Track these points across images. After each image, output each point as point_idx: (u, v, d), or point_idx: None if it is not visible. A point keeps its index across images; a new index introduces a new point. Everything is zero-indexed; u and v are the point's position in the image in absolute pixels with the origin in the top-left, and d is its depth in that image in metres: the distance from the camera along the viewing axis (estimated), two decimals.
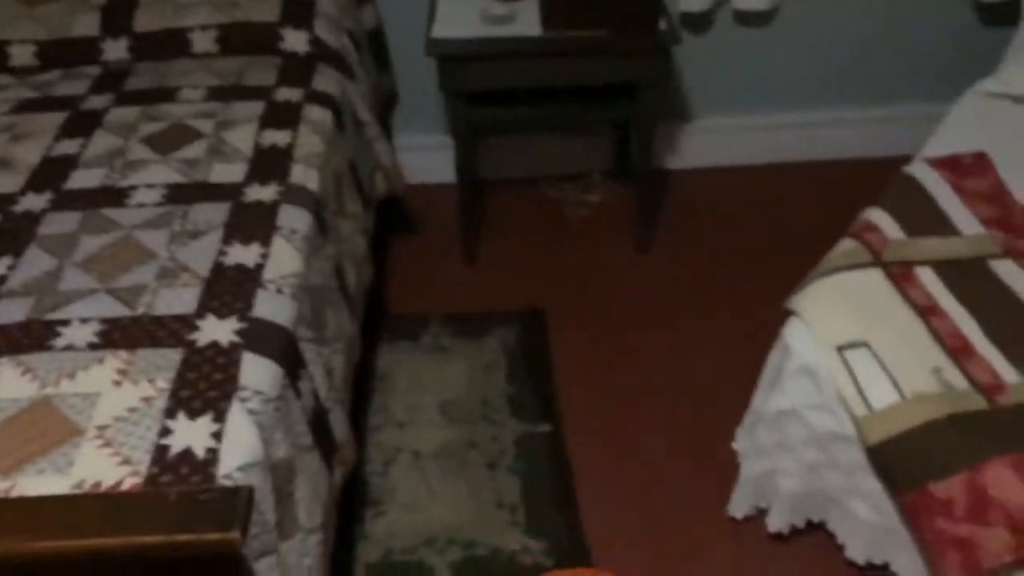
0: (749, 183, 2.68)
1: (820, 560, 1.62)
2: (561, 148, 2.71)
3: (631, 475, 1.81)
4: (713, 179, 2.70)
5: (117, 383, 1.22)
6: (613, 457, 1.85)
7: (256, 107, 1.86)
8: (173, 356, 1.26)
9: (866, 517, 1.53)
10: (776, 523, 1.62)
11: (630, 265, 2.39)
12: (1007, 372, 1.50)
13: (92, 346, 1.27)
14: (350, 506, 1.75)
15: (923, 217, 1.80)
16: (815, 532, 1.65)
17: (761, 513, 1.68)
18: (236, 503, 0.89)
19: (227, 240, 1.49)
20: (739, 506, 1.68)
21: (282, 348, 1.32)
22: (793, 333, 1.55)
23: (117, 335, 1.30)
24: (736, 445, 1.72)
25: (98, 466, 1.10)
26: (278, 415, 1.24)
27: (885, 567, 1.58)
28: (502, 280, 2.35)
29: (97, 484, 1.08)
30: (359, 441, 1.88)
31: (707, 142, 2.73)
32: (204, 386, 1.22)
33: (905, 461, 1.41)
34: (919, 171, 1.91)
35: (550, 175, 2.71)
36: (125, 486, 1.08)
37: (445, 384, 2.04)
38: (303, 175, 1.67)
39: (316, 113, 1.85)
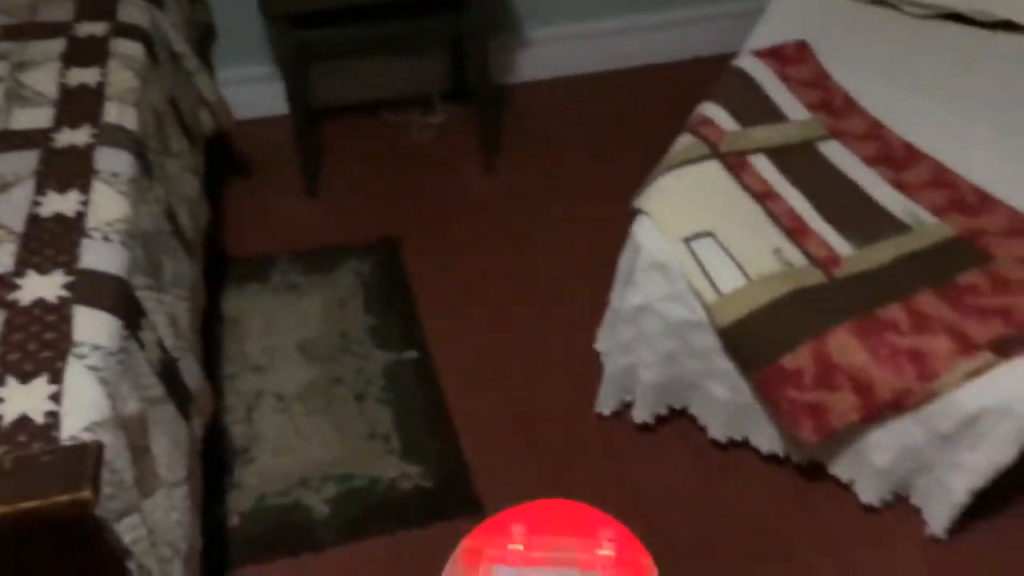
0: (590, 92, 2.70)
1: (686, 444, 1.69)
2: (397, 70, 2.63)
3: (501, 390, 1.82)
4: (554, 91, 2.70)
5: None
6: (482, 376, 1.86)
7: (56, 45, 1.69)
8: None
9: (723, 397, 1.60)
10: (641, 414, 1.68)
11: (479, 184, 2.37)
12: (841, 245, 1.59)
13: None
14: (216, 457, 1.69)
15: (753, 107, 1.86)
16: (679, 418, 1.72)
17: (627, 407, 1.73)
18: (83, 460, 0.83)
19: (40, 190, 1.37)
20: (606, 403, 1.72)
21: (117, 298, 1.23)
22: (641, 230, 1.58)
23: None
24: (598, 345, 1.75)
25: None
26: (121, 368, 1.16)
27: (745, 442, 1.66)
28: (349, 211, 2.28)
29: None
30: (216, 390, 1.81)
31: (543, 54, 2.71)
32: (34, 347, 1.12)
33: (755, 339, 1.48)
34: (746, 63, 1.96)
35: (389, 99, 2.63)
36: None
37: (301, 322, 1.97)
38: (118, 114, 1.54)
39: (125, 47, 1.71)
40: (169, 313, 1.41)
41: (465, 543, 0.32)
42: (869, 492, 1.56)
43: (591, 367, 1.78)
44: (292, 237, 2.19)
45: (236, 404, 1.80)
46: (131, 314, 1.25)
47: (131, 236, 1.34)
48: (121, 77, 1.63)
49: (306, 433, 1.74)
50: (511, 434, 1.74)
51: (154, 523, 1.13)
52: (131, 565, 1.04)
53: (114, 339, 1.17)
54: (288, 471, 1.67)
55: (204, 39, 2.38)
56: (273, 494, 1.63)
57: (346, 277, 2.09)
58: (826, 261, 1.56)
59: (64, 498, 0.80)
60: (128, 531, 1.06)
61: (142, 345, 1.25)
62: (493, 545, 0.30)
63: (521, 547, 0.30)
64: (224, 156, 2.38)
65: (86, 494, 0.80)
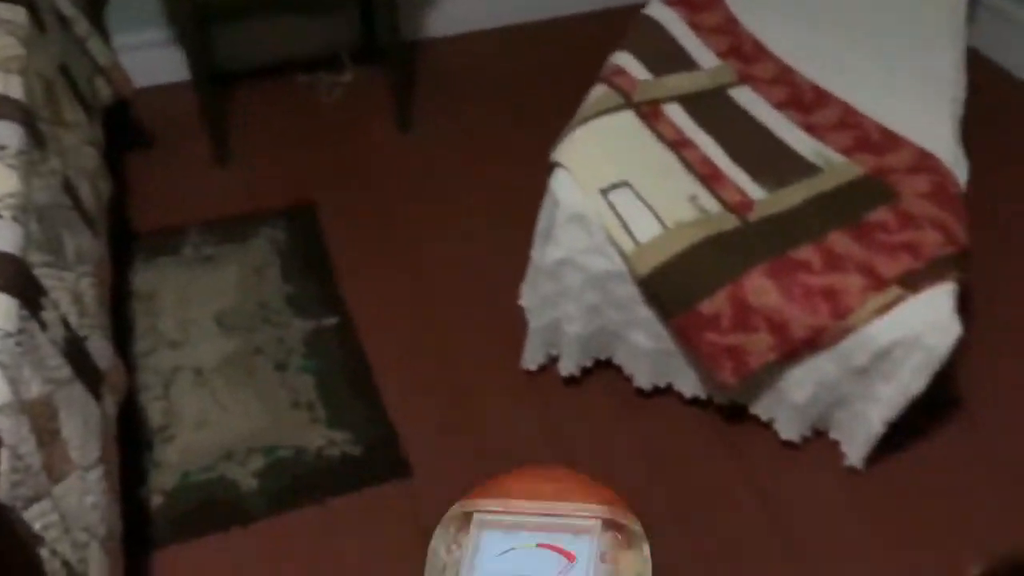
0: (502, 46, 2.66)
1: (612, 393, 1.71)
2: (304, 31, 2.55)
3: (425, 352, 1.81)
4: (465, 46, 2.66)
5: None
6: (405, 339, 1.84)
7: None
8: None
9: (646, 346, 1.62)
10: (568, 367, 1.68)
11: (394, 144, 2.33)
12: (753, 190, 1.61)
13: None
14: (134, 437, 1.64)
15: (665, 55, 1.86)
16: (605, 369, 1.73)
17: (554, 361, 1.74)
18: None
19: None
20: (532, 358, 1.72)
21: (12, 278, 1.17)
22: (558, 183, 1.58)
23: None
24: (522, 301, 1.75)
25: None
26: (21, 351, 1.11)
27: (669, 388, 1.69)
28: (261, 178, 2.22)
29: None
30: (130, 367, 1.75)
31: (453, 9, 2.67)
32: None
33: (673, 286, 1.49)
34: (656, 11, 1.96)
35: (297, 61, 2.56)
36: None
37: (216, 294, 1.92)
38: (2, 83, 1.45)
39: (5, 11, 1.61)
40: (73, 291, 1.35)
41: (455, 508, 0.32)
42: (789, 429, 1.60)
43: (516, 324, 1.77)
44: (202, 207, 2.13)
45: (152, 381, 1.74)
46: (30, 293, 1.19)
47: (24, 211, 1.27)
48: (2, 44, 1.54)
49: (227, 406, 1.70)
50: (438, 396, 1.73)
51: (67, 508, 1.09)
52: (43, 552, 1.00)
53: (12, 320, 1.12)
54: (211, 446, 1.63)
55: (96, 2, 2.27)
56: (197, 470, 1.59)
57: (261, 245, 2.04)
58: (740, 206, 1.58)
59: None
60: (38, 517, 1.02)
61: (44, 325, 1.20)
62: (483, 509, 0.30)
63: (511, 511, 0.30)
64: (125, 126, 2.28)
65: None
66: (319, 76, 2.52)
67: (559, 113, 1.98)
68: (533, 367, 1.73)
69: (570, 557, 0.31)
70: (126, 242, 2.01)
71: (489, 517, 0.30)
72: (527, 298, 1.74)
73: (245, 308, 1.89)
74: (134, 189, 2.18)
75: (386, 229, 2.08)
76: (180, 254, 2.01)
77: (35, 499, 1.02)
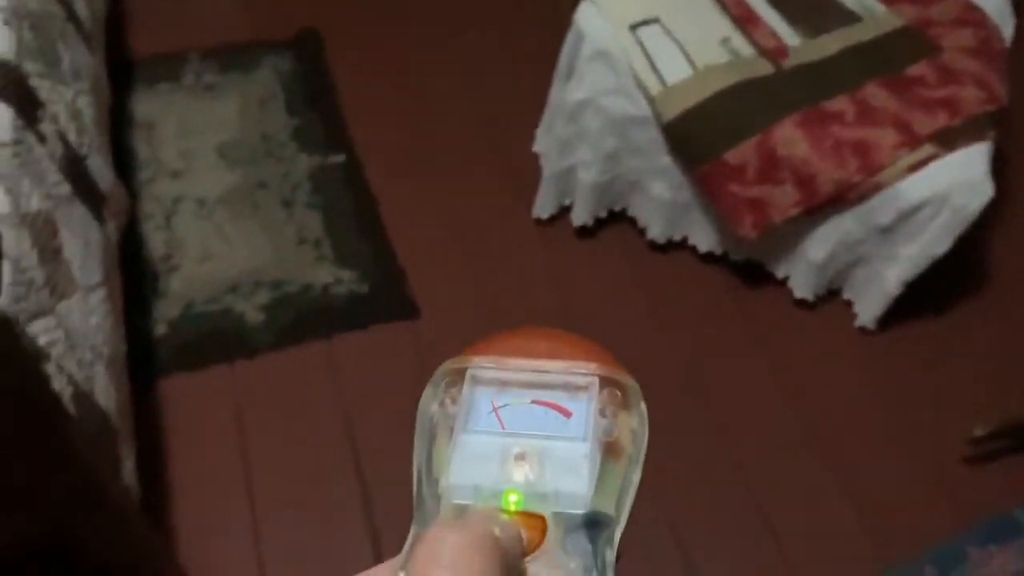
0: None
1: (624, 245, 1.67)
2: None
3: (434, 194, 1.76)
4: None
5: None
6: (413, 179, 1.78)
7: None
8: None
9: (664, 196, 1.57)
10: (581, 216, 1.64)
11: None
12: (788, 35, 1.52)
13: None
14: (135, 266, 1.60)
15: None
16: (617, 221, 1.69)
17: (565, 211, 1.69)
18: None
19: None
20: (544, 207, 1.68)
21: (7, 84, 1.10)
22: (584, 17, 1.48)
23: None
24: (536, 147, 1.68)
25: None
26: (18, 161, 1.05)
27: (683, 242, 1.65)
28: (266, 3, 2.10)
29: None
30: (133, 196, 1.70)
31: None
32: None
33: (700, 132, 1.43)
34: None
35: None
36: None
37: (219, 124, 1.85)
38: None
39: None
40: (70, 107, 1.28)
41: (446, 365, 0.29)
42: (804, 287, 1.57)
43: (528, 170, 1.71)
44: (204, 33, 2.02)
45: (154, 210, 1.69)
46: (25, 103, 1.13)
47: (16, 15, 1.19)
48: None
49: (232, 239, 1.66)
50: (446, 239, 1.69)
51: (70, 326, 1.07)
52: (49, 367, 0.98)
53: (7, 129, 1.06)
54: (215, 278, 1.60)
55: None
56: (201, 302, 1.57)
57: (265, 75, 1.95)
58: (774, 52, 1.50)
59: None
60: (42, 333, 0.99)
61: (42, 138, 1.14)
62: (476, 365, 0.27)
63: (505, 368, 0.27)
64: None
65: None
66: None
67: None
68: (544, 216, 1.69)
69: (566, 413, 0.29)
70: (124, 67, 1.92)
71: (482, 373, 0.28)
72: (542, 143, 1.68)
73: (248, 140, 1.82)
74: (131, 11, 2.06)
75: (396, 62, 1.99)
76: (180, 82, 1.92)
77: (39, 314, 0.99)
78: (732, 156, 1.42)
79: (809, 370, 1.53)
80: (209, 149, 1.80)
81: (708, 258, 1.65)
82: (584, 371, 0.32)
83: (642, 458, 0.31)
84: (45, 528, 1.05)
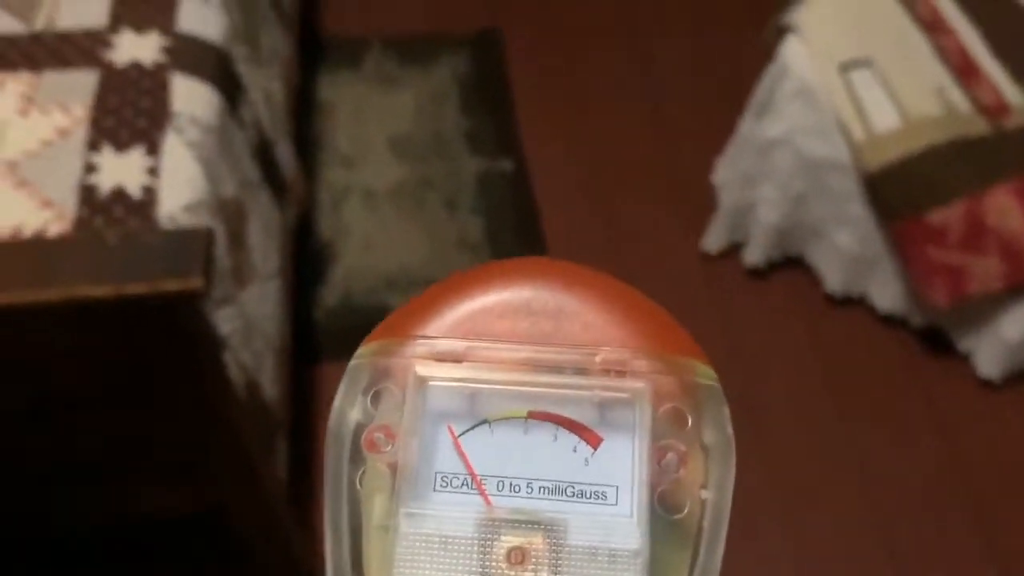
0: None
1: (797, 294, 1.58)
2: None
3: (599, 211, 1.71)
4: None
5: (23, 112, 1.01)
6: (580, 192, 1.74)
7: None
8: (88, 78, 1.05)
9: (848, 248, 1.47)
10: (754, 256, 1.56)
11: None
12: (1011, 92, 1.40)
13: None
14: (302, 249, 1.62)
15: None
16: (792, 266, 1.60)
17: (736, 248, 1.61)
18: (194, 246, 0.75)
19: None
20: (715, 241, 1.60)
21: (217, 69, 1.12)
22: (791, 51, 1.40)
23: (14, 55, 1.07)
24: (715, 177, 1.61)
25: (14, 211, 0.93)
26: (220, 147, 1.06)
27: (862, 298, 1.55)
28: None
29: (16, 232, 0.91)
30: (308, 179, 1.72)
31: None
32: (130, 113, 1.02)
33: (904, 188, 1.34)
34: None
35: None
36: (51, 233, 0.92)
37: (393, 117, 1.85)
38: None
39: None
40: (266, 90, 1.30)
41: (367, 349, 0.18)
42: (991, 365, 1.45)
43: (702, 200, 1.65)
44: (390, 20, 2.03)
45: (324, 196, 1.71)
46: (231, 88, 1.14)
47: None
48: None
49: (394, 234, 1.67)
50: (606, 260, 1.64)
51: (249, 315, 1.07)
52: (227, 357, 0.99)
53: (214, 114, 1.07)
54: (376, 271, 1.61)
55: None
56: (359, 293, 1.58)
57: (443, 72, 1.94)
58: (994, 109, 1.38)
59: (174, 284, 0.72)
60: (225, 322, 1.00)
61: (242, 124, 1.15)
62: (422, 354, 0.15)
63: (475, 355, 0.15)
64: None
65: (197, 282, 0.72)
66: None
67: None
68: (714, 250, 1.62)
69: (592, 440, 0.15)
70: (312, 47, 1.95)
71: (436, 370, 0.15)
72: (722, 174, 1.60)
73: (420, 136, 1.82)
74: None
75: (576, 70, 1.94)
76: (361, 68, 1.94)
77: (223, 303, 1.00)
78: (935, 217, 1.32)
79: (985, 453, 1.41)
80: (381, 140, 1.81)
81: (886, 319, 1.54)
82: (623, 357, 0.19)
83: (724, 532, 0.18)
84: (200, 505, 1.07)
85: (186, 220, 0.95)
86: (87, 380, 0.88)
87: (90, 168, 0.97)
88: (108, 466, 1.01)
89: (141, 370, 0.83)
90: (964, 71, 1.42)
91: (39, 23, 1.11)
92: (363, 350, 0.21)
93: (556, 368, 0.18)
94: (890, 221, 1.37)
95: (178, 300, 0.73)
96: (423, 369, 0.19)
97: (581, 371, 0.19)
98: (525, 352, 0.19)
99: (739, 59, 1.61)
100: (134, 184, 0.96)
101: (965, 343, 1.48)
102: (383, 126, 1.84)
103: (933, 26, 1.45)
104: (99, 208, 0.94)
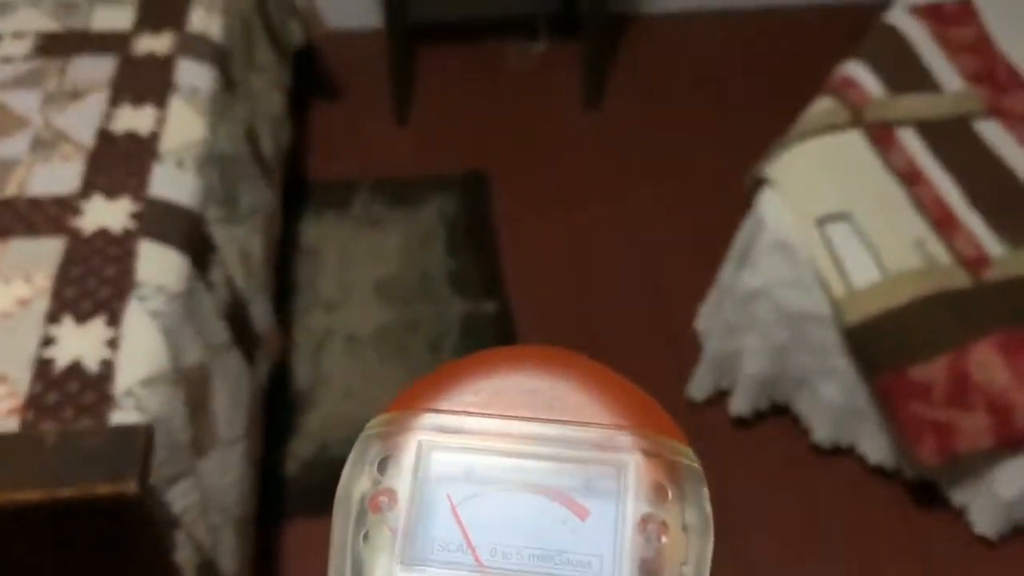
0: (716, 31, 2.46)
1: (784, 444, 1.54)
2: None
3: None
4: (676, 26, 2.47)
5: None
6: (563, 337, 1.72)
7: None
8: (53, 246, 1.05)
9: (834, 399, 1.44)
10: (739, 406, 1.53)
11: (580, 123, 2.19)
12: (991, 244, 1.40)
13: None
14: (278, 397, 1.60)
15: (904, 70, 1.64)
16: (779, 415, 1.57)
17: (722, 395, 1.58)
18: (131, 446, 0.72)
19: (114, 101, 1.25)
20: (700, 388, 1.58)
21: (186, 233, 1.12)
22: (768, 205, 1.41)
23: None
24: (698, 324, 1.60)
25: None
26: (185, 313, 1.05)
27: (851, 449, 1.51)
28: (438, 141, 2.14)
29: None
30: (285, 325, 1.71)
31: None
32: (94, 283, 1.02)
33: (885, 343, 1.31)
34: (899, 19, 1.73)
35: (490, 19, 2.45)
36: (1, 410, 0.90)
37: (379, 259, 1.86)
38: (203, 21, 1.41)
39: None
40: (242, 247, 1.30)
41: (377, 421, 0.18)
42: (985, 523, 1.39)
43: (685, 346, 1.63)
44: (377, 164, 2.06)
45: (305, 341, 1.70)
46: (200, 251, 1.14)
47: (208, 162, 1.22)
48: None
49: (376, 380, 1.64)
50: None
51: (207, 486, 1.04)
52: (179, 536, 0.95)
53: (180, 280, 1.07)
54: (355, 419, 1.57)
55: None
56: (337, 443, 1.54)
57: (429, 213, 1.96)
58: (974, 261, 1.37)
59: (105, 489, 0.70)
60: (179, 498, 0.96)
61: (210, 286, 1.15)
62: (426, 424, 0.17)
63: (473, 430, 0.16)
64: (310, 72, 2.24)
65: (130, 487, 0.70)
66: (510, 43, 2.41)
67: (769, 115, 1.80)
68: (699, 398, 1.59)
69: (580, 513, 0.16)
70: (298, 190, 1.97)
71: (440, 439, 0.16)
72: (705, 321, 1.59)
73: (406, 278, 1.82)
74: (312, 136, 2.14)
75: (559, 213, 1.96)
76: (348, 211, 1.96)
77: (178, 477, 0.97)
78: (918, 372, 1.29)
79: None
80: (367, 283, 1.81)
81: (876, 471, 1.49)
82: (612, 435, 0.22)
83: None
84: None
85: (144, 395, 0.93)
86: None
87: (47, 341, 0.96)
88: None
89: (82, 568, 0.80)
90: (942, 222, 1.41)
91: (11, 189, 1.12)
92: (374, 422, 0.23)
93: (550, 442, 0.21)
94: (873, 376, 1.34)
95: (112, 504, 0.70)
96: (427, 439, 0.21)
97: (573, 445, 0.21)
98: (523, 427, 0.21)
99: (723, 205, 1.61)
100: (92, 357, 0.95)
101: (959, 497, 1.42)
102: (370, 268, 1.84)
103: (909, 177, 1.46)
104: (53, 384, 0.92)
